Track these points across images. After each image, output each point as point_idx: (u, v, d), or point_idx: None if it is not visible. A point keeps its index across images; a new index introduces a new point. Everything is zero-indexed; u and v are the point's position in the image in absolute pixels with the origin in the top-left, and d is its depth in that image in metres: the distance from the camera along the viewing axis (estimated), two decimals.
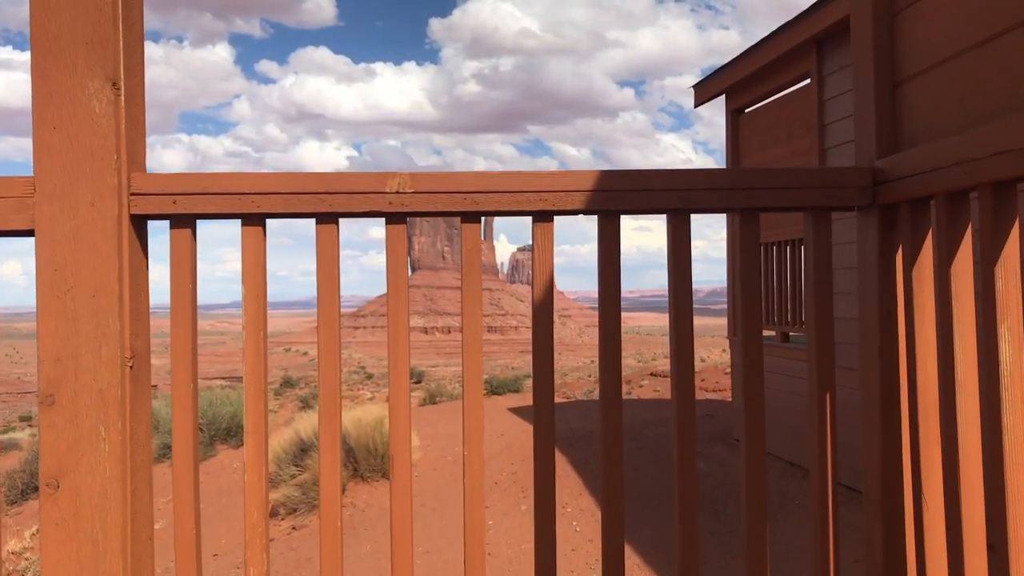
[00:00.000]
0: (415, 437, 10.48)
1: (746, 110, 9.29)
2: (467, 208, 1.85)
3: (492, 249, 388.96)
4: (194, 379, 1.88)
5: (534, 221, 1.89)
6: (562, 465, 9.39)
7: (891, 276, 1.83)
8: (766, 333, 8.90)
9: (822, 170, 1.88)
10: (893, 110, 1.90)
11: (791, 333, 8.39)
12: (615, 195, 1.84)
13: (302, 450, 9.54)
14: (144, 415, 1.82)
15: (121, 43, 1.76)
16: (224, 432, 11.78)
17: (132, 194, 1.81)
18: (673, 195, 1.85)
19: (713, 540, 6.43)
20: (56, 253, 1.74)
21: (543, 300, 1.84)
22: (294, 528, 8.42)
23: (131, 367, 1.78)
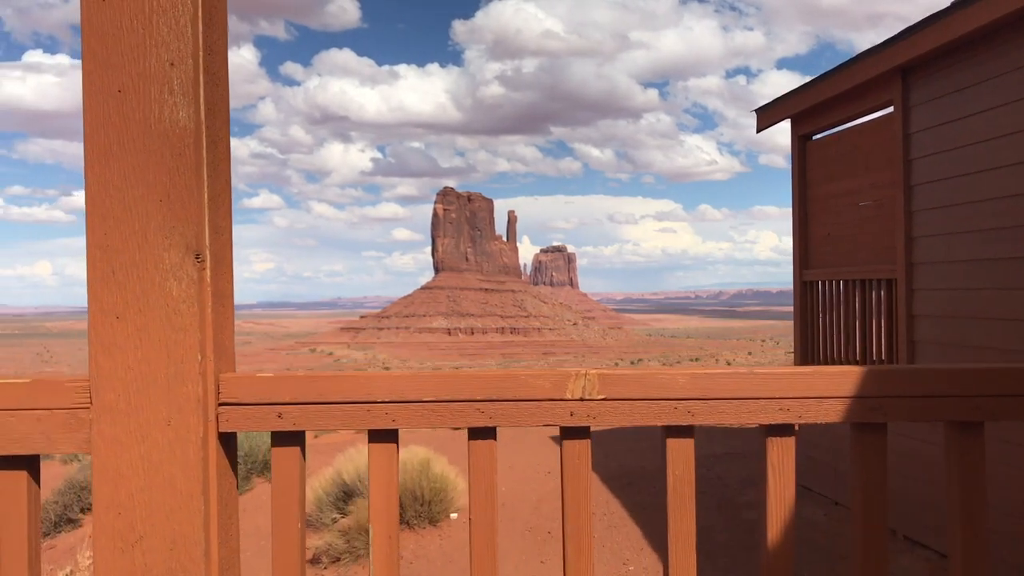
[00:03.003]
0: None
1: (814, 137, 8.77)
2: (678, 421, 1.37)
3: (515, 251, 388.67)
4: None
5: (768, 435, 1.39)
6: (617, 511, 8.89)
7: None
8: None
9: None
10: None
11: None
12: (882, 403, 1.35)
13: (345, 493, 9.11)
14: None
15: (206, 196, 1.29)
16: (262, 465, 11.39)
17: (222, 404, 1.34)
18: (965, 403, 1.36)
19: None
20: (120, 490, 1.28)
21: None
22: None
23: None
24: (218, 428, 1.35)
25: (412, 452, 9.42)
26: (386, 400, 1.36)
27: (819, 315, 8.47)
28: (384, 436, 1.42)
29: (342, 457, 9.90)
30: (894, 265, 7.14)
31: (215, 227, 1.35)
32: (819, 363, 8.47)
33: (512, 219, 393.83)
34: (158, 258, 1.32)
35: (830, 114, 8.26)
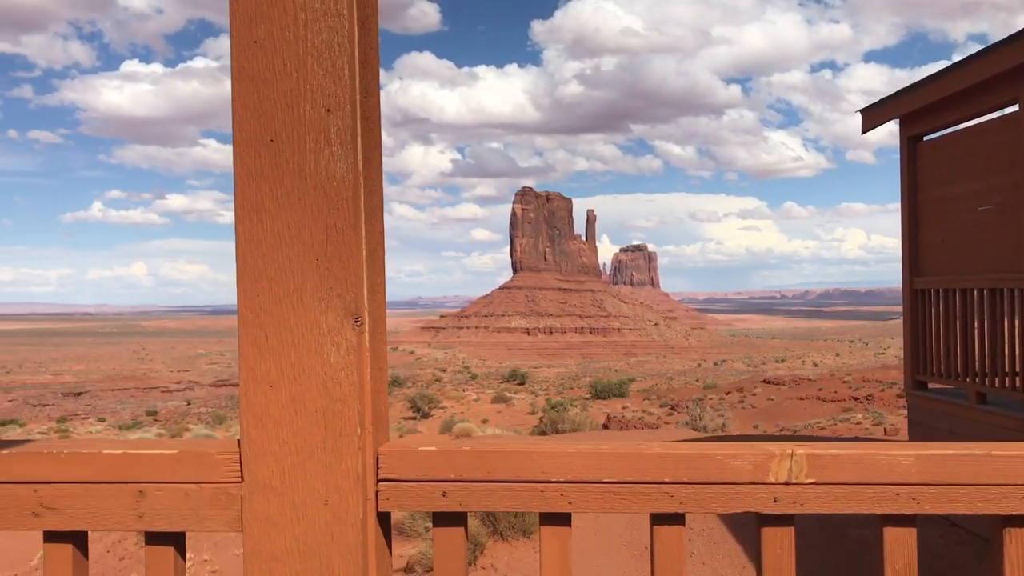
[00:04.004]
0: None
1: (925, 138, 8.34)
2: (900, 509, 1.19)
3: (594, 250, 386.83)
4: None
5: (1006, 526, 1.20)
6: (716, 527, 8.63)
7: None
8: (940, 386, 7.95)
9: None
10: None
11: (987, 393, 7.39)
12: None
13: None
14: None
15: (364, 254, 1.18)
16: None
17: (381, 480, 1.22)
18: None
19: None
20: (274, 572, 1.17)
21: None
22: None
23: None
24: (377, 507, 1.24)
25: None
26: (560, 480, 1.22)
27: (934, 326, 8.04)
28: (557, 520, 1.27)
29: None
30: (1021, 274, 6.71)
31: (372, 285, 1.25)
32: (934, 376, 8.04)
33: (591, 218, 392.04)
34: (315, 322, 1.22)
35: (944, 114, 7.84)
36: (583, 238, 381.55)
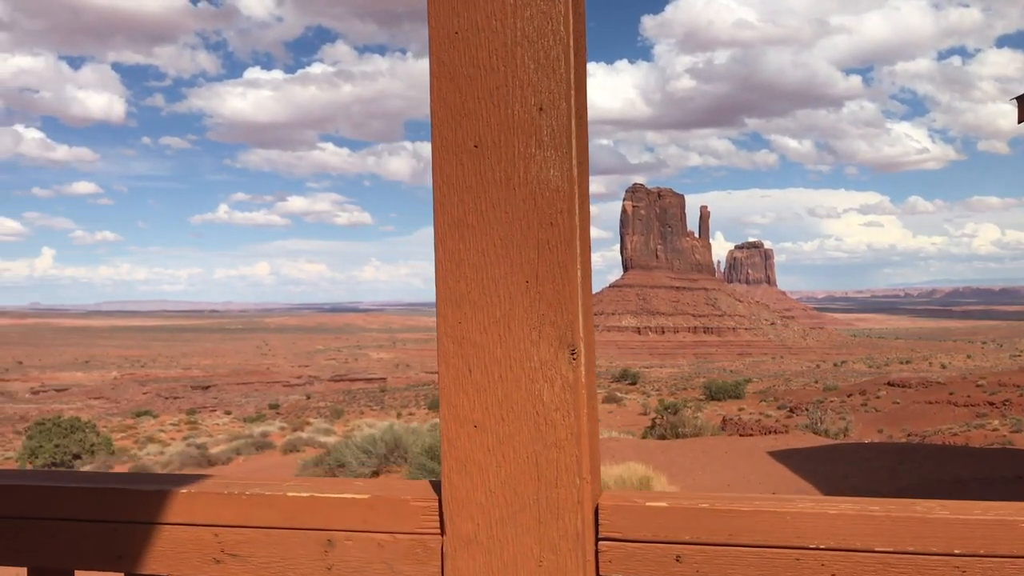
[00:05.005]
0: (666, 483, 9.57)
1: None
2: None
3: (708, 247, 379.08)
4: None
5: None
6: None
7: None
8: None
9: None
10: None
11: None
12: None
13: None
14: None
15: (580, 275, 1.00)
16: None
17: (602, 540, 1.05)
18: None
19: None
20: None
21: None
22: None
23: None
24: (597, 570, 1.06)
25: (630, 469, 9.08)
26: (821, 546, 1.00)
27: None
28: None
29: None
30: None
31: (585, 311, 1.07)
32: None
33: (704, 215, 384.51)
34: (525, 353, 1.05)
35: None
36: (696, 235, 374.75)
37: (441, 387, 1.08)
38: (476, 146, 1.07)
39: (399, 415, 77.30)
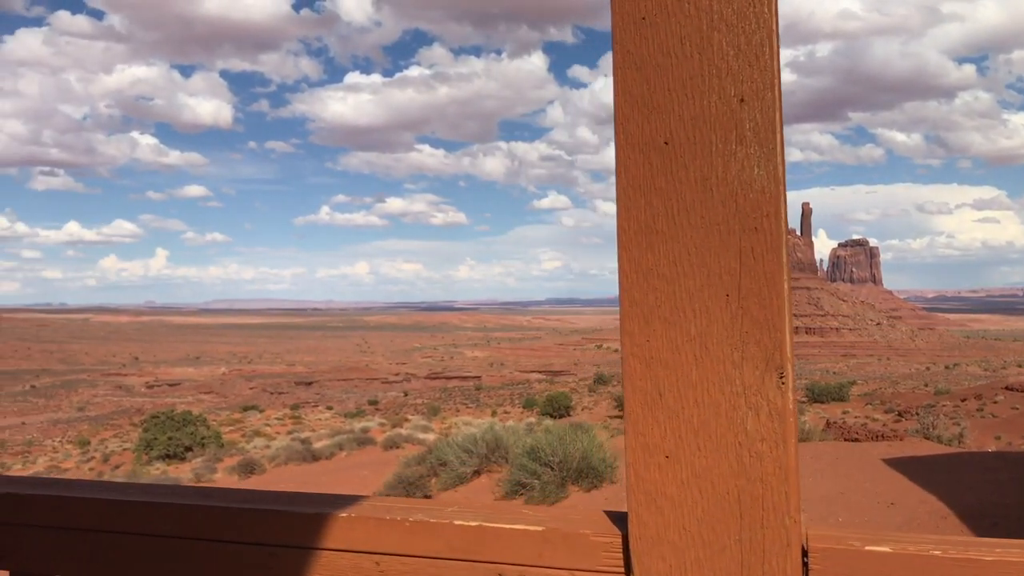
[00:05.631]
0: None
1: None
2: None
3: (810, 245, 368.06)
4: None
5: None
6: None
7: None
8: None
9: None
10: None
11: None
12: None
13: None
14: None
15: (786, 287, 0.98)
16: (575, 473, 11.34)
17: None
18: None
19: None
20: None
21: None
22: None
23: None
24: None
25: None
26: None
27: None
28: None
29: None
30: None
31: (790, 328, 0.94)
32: None
33: (806, 212, 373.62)
34: (725, 376, 0.93)
35: None
36: (798, 232, 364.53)
37: (627, 411, 0.98)
38: (666, 143, 0.96)
39: (494, 413, 77.80)
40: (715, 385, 0.94)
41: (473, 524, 1.06)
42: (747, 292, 0.93)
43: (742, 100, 0.94)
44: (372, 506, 1.16)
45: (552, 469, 11.36)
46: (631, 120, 0.97)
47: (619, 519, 1.04)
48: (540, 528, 1.04)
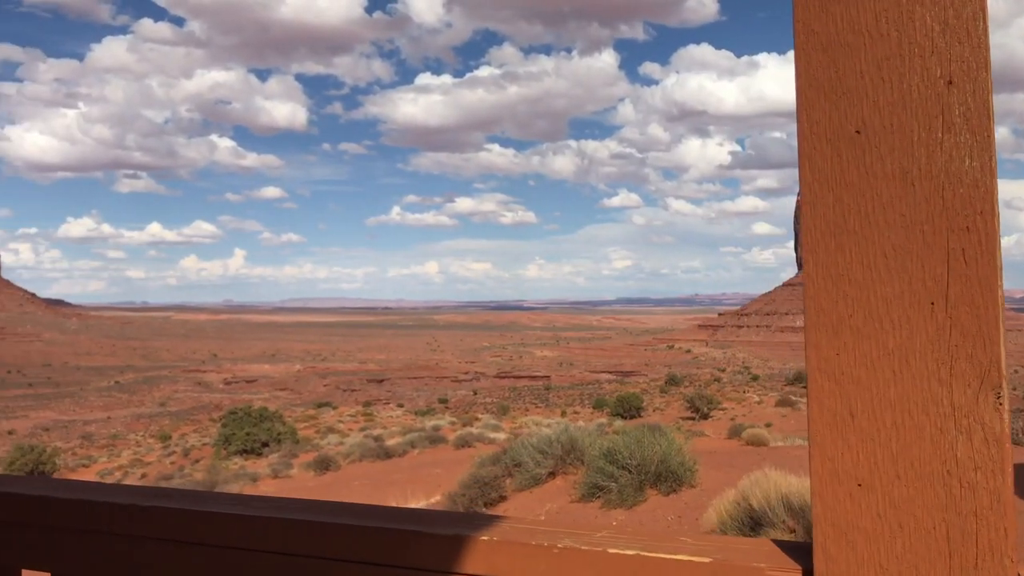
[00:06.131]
0: None
1: None
2: None
3: None
4: None
5: None
6: None
7: None
8: None
9: None
10: None
11: None
12: None
13: (752, 519, 8.47)
14: None
15: (1000, 294, 0.92)
16: (654, 476, 11.14)
17: None
18: None
19: None
20: None
21: None
22: None
23: None
24: None
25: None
26: None
27: None
28: None
29: (746, 480, 9.27)
30: None
31: (1005, 342, 0.85)
32: None
33: None
34: (930, 396, 0.85)
35: None
36: None
37: (812, 433, 0.88)
38: (858, 132, 0.87)
39: (564, 413, 77.49)
40: (917, 405, 0.85)
41: (630, 553, 0.96)
42: (957, 300, 0.84)
43: (950, 82, 0.85)
44: (513, 528, 1.06)
45: (630, 472, 11.18)
46: (816, 107, 0.88)
47: (797, 552, 0.92)
48: (707, 560, 0.92)
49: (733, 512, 8.77)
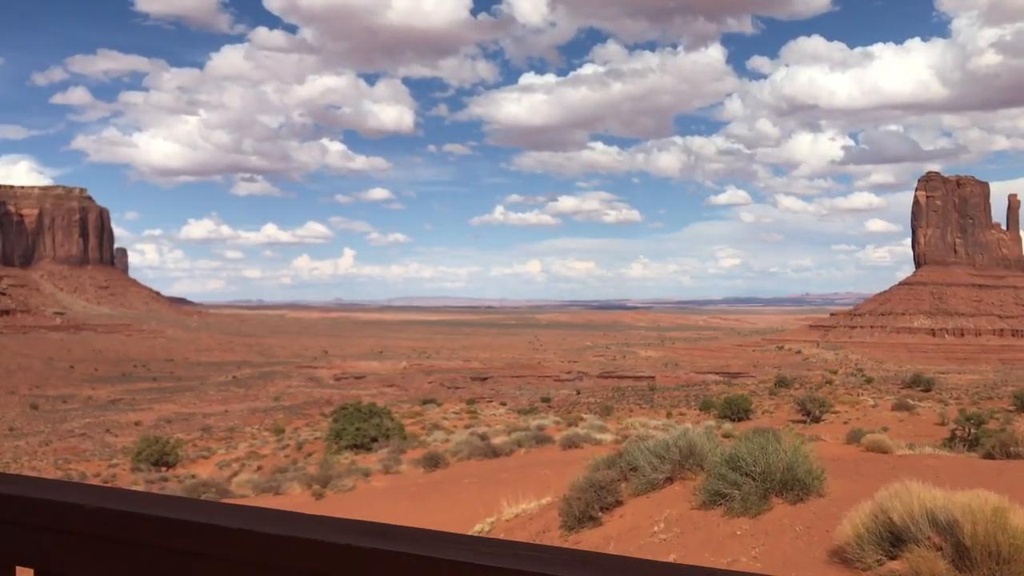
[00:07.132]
0: None
1: None
2: None
3: (1018, 241, 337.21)
4: None
5: None
6: None
7: None
8: None
9: None
10: None
11: None
12: None
13: (892, 534, 7.90)
14: None
15: None
16: (779, 484, 10.60)
17: None
18: None
19: None
20: None
21: None
22: None
23: None
24: None
25: (979, 497, 7.84)
26: None
27: None
28: None
29: (884, 491, 8.67)
30: None
31: None
32: None
33: (1014, 204, 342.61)
34: None
35: None
36: (1003, 227, 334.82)
37: None
38: None
39: (669, 414, 75.99)
40: None
41: None
42: None
43: None
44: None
45: (754, 479, 10.68)
46: None
47: None
48: None
49: (871, 525, 8.21)
